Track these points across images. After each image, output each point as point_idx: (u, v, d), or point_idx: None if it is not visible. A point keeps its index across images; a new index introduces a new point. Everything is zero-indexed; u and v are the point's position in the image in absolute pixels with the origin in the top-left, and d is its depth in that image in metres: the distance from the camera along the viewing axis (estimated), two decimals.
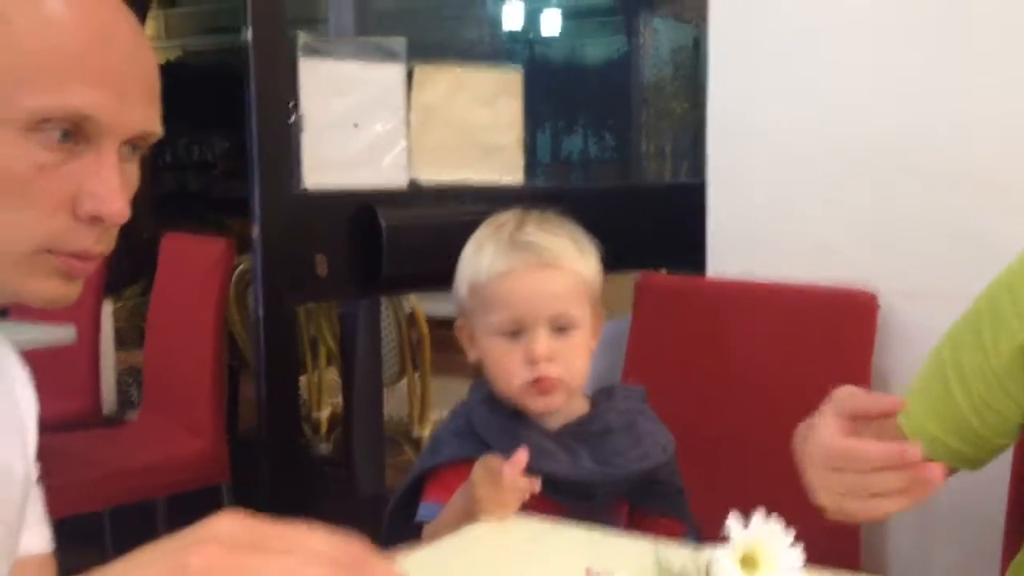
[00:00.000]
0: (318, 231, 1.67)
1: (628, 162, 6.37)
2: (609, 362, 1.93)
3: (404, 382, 3.07)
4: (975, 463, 1.13)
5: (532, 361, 1.18)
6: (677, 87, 5.53)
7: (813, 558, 0.84)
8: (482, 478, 1.12)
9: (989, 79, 1.60)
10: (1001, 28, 1.59)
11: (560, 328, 1.20)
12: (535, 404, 1.21)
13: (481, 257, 1.21)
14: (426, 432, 2.89)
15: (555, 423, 1.24)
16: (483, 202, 1.76)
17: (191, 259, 2.66)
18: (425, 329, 2.92)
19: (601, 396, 1.30)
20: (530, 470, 1.14)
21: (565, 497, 1.19)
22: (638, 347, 1.89)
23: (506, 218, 1.25)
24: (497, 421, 1.23)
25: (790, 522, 0.69)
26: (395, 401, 3.02)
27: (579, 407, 1.27)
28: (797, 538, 0.68)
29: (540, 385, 1.19)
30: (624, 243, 2.00)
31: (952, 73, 1.63)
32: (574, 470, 1.20)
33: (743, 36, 1.86)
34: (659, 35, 5.79)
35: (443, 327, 3.15)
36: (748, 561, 0.65)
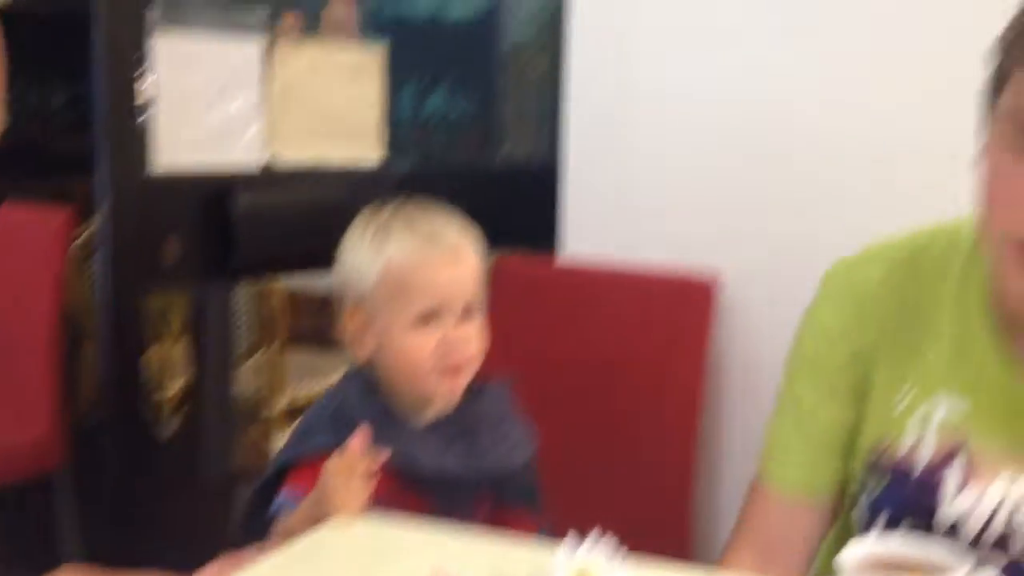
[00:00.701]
0: (169, 216, 1.62)
1: (490, 127, 6.36)
2: None
3: (257, 357, 3.01)
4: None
5: (449, 347, 1.23)
6: (539, 51, 5.53)
7: (646, 546, 0.88)
8: (334, 468, 1.12)
9: (841, 68, 1.68)
10: (862, 16, 1.66)
11: (468, 312, 1.26)
12: (442, 390, 1.25)
13: (389, 247, 1.25)
14: (278, 408, 2.85)
15: (426, 418, 1.26)
16: (340, 184, 1.74)
17: (26, 230, 2.51)
18: (280, 304, 2.86)
19: (470, 390, 1.32)
20: (400, 464, 1.16)
21: (433, 492, 1.22)
22: (494, 333, 1.91)
23: (395, 209, 1.29)
24: (370, 412, 1.24)
25: (627, 511, 0.73)
26: (247, 377, 2.96)
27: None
28: (630, 527, 0.71)
29: (452, 371, 1.24)
30: (481, 224, 2.01)
31: (804, 59, 1.70)
32: (443, 465, 1.22)
33: (605, 7, 1.88)
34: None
35: (299, 301, 3.09)
36: None
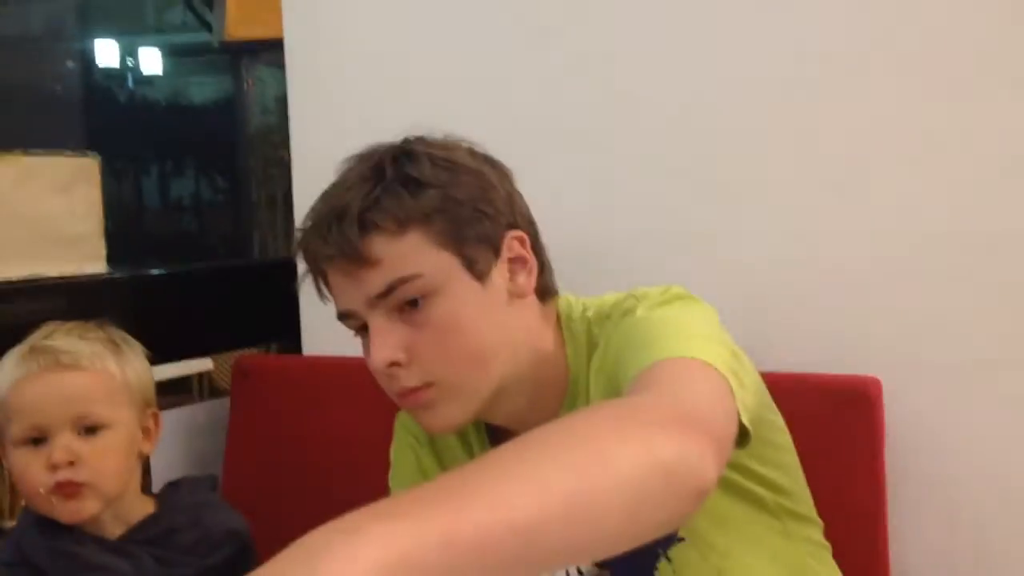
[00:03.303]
0: None
1: (239, 208, 6.28)
2: (210, 443, 1.94)
3: None
4: None
5: (53, 467, 1.16)
6: (283, 136, 5.54)
7: None
8: None
9: None
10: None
11: (88, 428, 1.18)
12: (63, 512, 1.17)
13: (2, 368, 1.19)
14: None
15: (115, 531, 1.22)
16: (54, 298, 1.70)
17: None
18: None
19: (166, 492, 1.30)
20: None
21: None
22: (238, 428, 1.91)
23: (39, 329, 1.23)
24: (47, 543, 1.19)
25: None
26: None
27: (141, 509, 1.26)
28: None
29: (63, 490, 1.16)
30: (216, 324, 2.00)
31: None
32: None
33: (322, 92, 1.92)
34: (263, 83, 5.80)
35: None
36: None
